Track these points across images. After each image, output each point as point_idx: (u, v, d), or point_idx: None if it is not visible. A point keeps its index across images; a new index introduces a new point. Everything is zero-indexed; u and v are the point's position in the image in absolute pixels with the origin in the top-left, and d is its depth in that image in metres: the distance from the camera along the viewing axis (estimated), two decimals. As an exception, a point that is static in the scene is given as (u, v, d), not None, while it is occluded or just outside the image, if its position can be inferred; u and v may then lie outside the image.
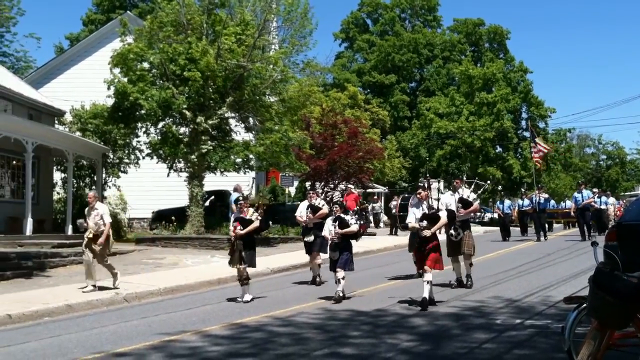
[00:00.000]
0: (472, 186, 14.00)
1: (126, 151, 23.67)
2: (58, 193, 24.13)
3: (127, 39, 20.44)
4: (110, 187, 24.26)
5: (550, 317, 8.56)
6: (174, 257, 17.07)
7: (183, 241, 19.72)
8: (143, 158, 22.91)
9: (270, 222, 18.10)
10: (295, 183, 29.36)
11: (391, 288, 11.84)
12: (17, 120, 18.96)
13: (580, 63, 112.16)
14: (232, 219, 11.50)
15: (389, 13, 62.28)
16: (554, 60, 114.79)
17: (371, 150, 27.91)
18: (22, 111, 21.53)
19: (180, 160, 21.11)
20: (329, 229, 10.71)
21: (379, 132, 40.40)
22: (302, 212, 12.95)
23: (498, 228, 25.45)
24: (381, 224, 34.75)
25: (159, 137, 21.14)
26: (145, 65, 20.51)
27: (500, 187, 47.62)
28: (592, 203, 22.60)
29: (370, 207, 32.14)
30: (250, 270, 10.97)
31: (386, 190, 41.87)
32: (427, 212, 9.88)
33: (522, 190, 30.29)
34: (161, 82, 20.52)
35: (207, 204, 23.41)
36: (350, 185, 25.41)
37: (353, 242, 10.85)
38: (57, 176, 23.88)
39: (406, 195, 12.03)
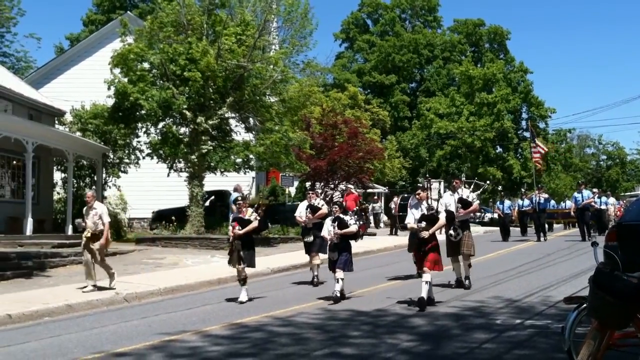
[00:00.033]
0: (472, 186, 14.00)
1: (126, 151, 23.68)
2: (58, 193, 24.15)
3: (127, 39, 20.45)
4: (110, 187, 24.28)
5: (550, 317, 8.56)
6: (174, 257, 17.07)
7: (183, 241, 19.72)
8: (143, 158, 22.92)
9: (269, 222, 18.09)
10: (296, 183, 29.36)
11: (391, 288, 11.84)
12: (18, 120, 18.97)
13: (580, 63, 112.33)
14: (231, 219, 11.48)
15: (389, 13, 62.30)
16: (554, 60, 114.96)
17: (371, 151, 27.91)
18: (23, 111, 21.54)
19: (181, 160, 21.12)
20: (328, 230, 10.70)
21: (379, 132, 40.42)
22: (301, 212, 12.94)
23: (498, 228, 25.45)
24: (381, 224, 34.74)
25: (159, 137, 21.15)
26: (146, 65, 20.52)
27: (500, 188, 47.60)
28: (592, 203, 22.61)
29: (370, 207, 32.14)
30: (250, 270, 10.96)
31: (386, 190, 41.87)
32: (425, 213, 9.88)
33: (522, 190, 30.28)
34: (161, 82, 20.53)
35: (207, 204, 23.43)
36: (350, 186, 25.41)
37: (352, 242, 10.84)
38: (57, 176, 23.90)
39: (405, 195, 12.03)
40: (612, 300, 4.83)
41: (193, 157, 20.31)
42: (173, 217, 22.19)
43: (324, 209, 12.72)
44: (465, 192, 12.34)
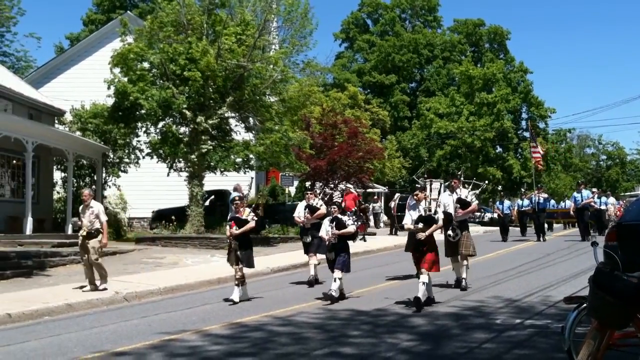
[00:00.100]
0: (470, 186, 13.98)
1: (126, 151, 23.68)
2: (58, 192, 24.16)
3: (127, 38, 20.47)
4: (110, 187, 24.31)
5: (550, 317, 8.56)
6: (174, 257, 17.08)
7: (183, 241, 19.73)
8: (143, 158, 22.93)
9: (267, 222, 18.07)
10: (295, 183, 29.37)
11: (391, 288, 11.84)
12: (17, 119, 18.98)
13: (580, 63, 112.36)
14: (228, 218, 11.42)
15: (389, 13, 62.28)
16: (554, 60, 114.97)
17: (371, 150, 27.91)
18: (23, 111, 21.55)
19: (180, 160, 21.12)
20: (326, 230, 10.69)
21: (379, 132, 40.42)
22: (300, 212, 12.94)
23: (498, 228, 25.45)
24: (381, 224, 34.74)
25: (159, 137, 21.16)
26: (146, 65, 20.53)
27: (500, 187, 47.61)
28: (592, 203, 22.62)
29: (370, 207, 32.13)
30: (249, 270, 10.92)
31: (386, 190, 41.87)
32: (423, 214, 9.85)
33: (522, 190, 30.27)
34: (161, 82, 20.54)
35: (207, 203, 23.44)
36: (349, 185, 25.41)
37: (350, 242, 10.82)
38: (57, 175, 23.91)
39: (404, 195, 12.00)
40: (612, 300, 4.84)
41: (193, 156, 20.31)
42: (173, 217, 22.21)
43: (323, 209, 12.70)
44: (464, 192, 12.32)
